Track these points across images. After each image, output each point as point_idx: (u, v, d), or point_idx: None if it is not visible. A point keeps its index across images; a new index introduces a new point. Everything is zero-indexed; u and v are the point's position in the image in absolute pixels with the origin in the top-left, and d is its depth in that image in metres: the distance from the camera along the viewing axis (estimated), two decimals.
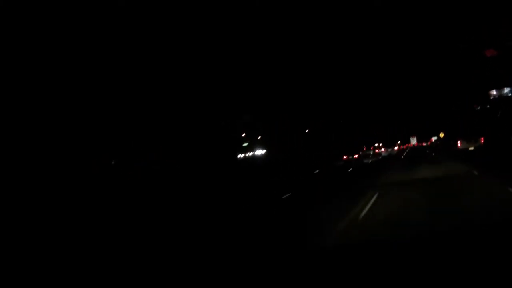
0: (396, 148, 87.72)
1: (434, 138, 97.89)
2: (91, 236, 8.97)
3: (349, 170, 31.63)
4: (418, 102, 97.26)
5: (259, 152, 46.86)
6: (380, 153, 62.83)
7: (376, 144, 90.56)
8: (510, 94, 41.42)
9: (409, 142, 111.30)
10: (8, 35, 21.08)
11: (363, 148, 74.04)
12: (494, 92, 43.04)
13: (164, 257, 6.17)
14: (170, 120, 35.01)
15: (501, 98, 41.88)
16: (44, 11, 22.78)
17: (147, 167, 29.65)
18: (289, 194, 15.87)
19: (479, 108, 47.20)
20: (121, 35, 28.67)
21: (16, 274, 5.74)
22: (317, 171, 32.18)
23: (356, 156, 58.33)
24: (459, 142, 36.70)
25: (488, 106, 43.43)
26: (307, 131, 55.66)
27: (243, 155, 47.12)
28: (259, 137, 48.04)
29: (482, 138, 35.14)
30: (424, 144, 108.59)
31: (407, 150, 75.73)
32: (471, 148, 34.29)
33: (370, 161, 49.46)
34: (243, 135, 46.77)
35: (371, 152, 62.97)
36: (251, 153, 47.65)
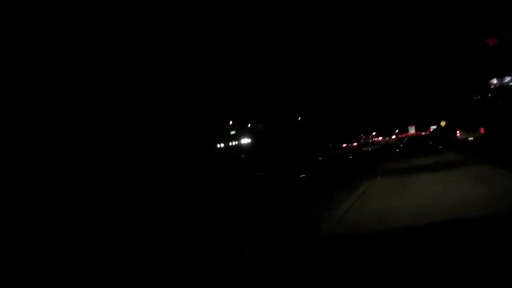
0: (394, 137, 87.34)
1: (433, 127, 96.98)
2: (91, 236, 8.86)
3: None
4: (417, 91, 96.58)
5: (245, 141, 45.30)
6: (378, 142, 65.91)
7: (374, 133, 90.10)
8: (511, 83, 40.24)
9: (407, 131, 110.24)
10: (8, 35, 21.13)
11: (362, 136, 75.79)
12: (494, 81, 41.81)
13: (164, 257, 6.09)
14: (169, 120, 35.11)
15: (502, 87, 40.77)
16: (44, 11, 22.86)
17: (147, 167, 29.57)
18: None
19: (479, 97, 46.11)
20: (121, 35, 28.82)
21: (16, 274, 5.67)
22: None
23: (355, 144, 60.46)
24: (458, 132, 36.36)
25: (489, 94, 42.29)
26: (299, 118, 54.57)
27: (223, 144, 45.32)
28: (248, 125, 46.50)
29: (482, 129, 34.55)
30: (423, 133, 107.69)
31: (404, 140, 74.89)
32: (470, 139, 33.80)
33: (369, 149, 50.51)
34: (231, 122, 44.98)
35: (370, 141, 66.62)
36: (236, 142, 45.92)
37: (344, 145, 59.32)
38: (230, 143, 46.29)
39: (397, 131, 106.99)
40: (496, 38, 33.35)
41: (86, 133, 26.55)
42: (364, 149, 51.34)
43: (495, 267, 1.84)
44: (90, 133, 26.86)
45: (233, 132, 45.93)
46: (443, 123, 56.11)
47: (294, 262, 2.57)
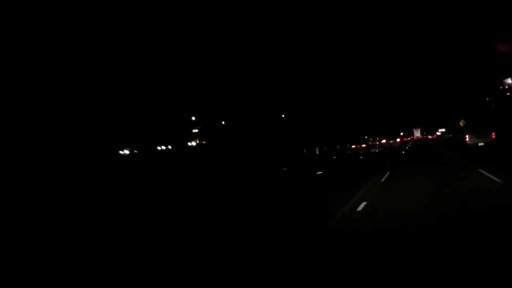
0: (398, 140, 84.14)
1: (441, 130, 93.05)
2: (91, 236, 8.79)
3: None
4: (423, 92, 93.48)
5: (194, 143, 40.88)
6: (383, 145, 68.53)
7: (378, 138, 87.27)
8: None
9: (412, 134, 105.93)
10: (9, 35, 21.31)
11: (370, 139, 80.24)
12: (509, 81, 38.18)
13: (164, 257, 5.94)
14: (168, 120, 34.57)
15: None
16: (44, 11, 23.00)
17: (147, 167, 29.71)
18: None
19: (492, 98, 42.56)
20: (121, 35, 29.22)
21: (16, 274, 5.56)
22: None
23: (364, 145, 65.03)
24: (467, 136, 33.69)
25: (508, 94, 38.84)
26: (282, 115, 51.07)
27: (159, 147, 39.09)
28: (223, 122, 42.08)
29: (494, 133, 31.78)
30: (429, 137, 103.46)
31: (409, 144, 71.11)
32: (480, 144, 31.73)
33: (376, 150, 53.68)
34: (193, 118, 39.79)
35: (377, 143, 69.75)
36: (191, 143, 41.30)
37: (353, 146, 64.24)
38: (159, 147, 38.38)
39: (401, 134, 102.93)
40: (507, 44, 31.42)
41: (87, 133, 26.60)
42: (372, 150, 54.95)
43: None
44: (90, 134, 26.85)
45: (195, 130, 40.71)
46: (462, 123, 49.75)
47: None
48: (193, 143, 40.80)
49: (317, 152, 53.32)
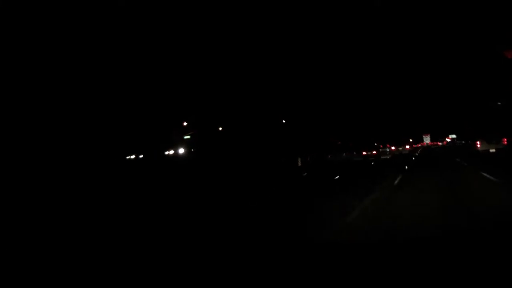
0: (407, 147, 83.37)
1: (452, 136, 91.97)
2: (90, 236, 8.90)
3: None
4: (433, 97, 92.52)
5: (181, 150, 38.96)
6: (393, 152, 69.49)
7: (388, 145, 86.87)
8: None
9: (421, 140, 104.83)
10: (9, 35, 21.31)
11: (380, 146, 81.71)
12: None
13: (164, 257, 5.79)
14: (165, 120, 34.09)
15: None
16: (44, 11, 22.98)
17: (147, 167, 29.77)
18: None
19: (504, 103, 41.77)
20: (121, 35, 28.95)
21: (15, 274, 5.45)
22: None
23: (374, 152, 66.41)
24: (478, 143, 32.92)
25: None
26: (282, 121, 48.94)
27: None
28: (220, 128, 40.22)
29: (505, 139, 31.19)
30: (439, 143, 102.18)
31: (417, 152, 70.20)
32: (492, 150, 31.04)
33: (387, 157, 53.60)
34: (185, 124, 36.99)
35: (388, 150, 69.97)
36: (172, 152, 39.45)
37: (364, 153, 65.53)
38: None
39: (410, 140, 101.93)
40: None
41: (85, 132, 26.48)
42: (383, 157, 54.62)
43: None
44: (89, 133, 26.75)
45: (187, 136, 37.76)
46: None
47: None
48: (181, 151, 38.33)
49: (299, 164, 44.94)
